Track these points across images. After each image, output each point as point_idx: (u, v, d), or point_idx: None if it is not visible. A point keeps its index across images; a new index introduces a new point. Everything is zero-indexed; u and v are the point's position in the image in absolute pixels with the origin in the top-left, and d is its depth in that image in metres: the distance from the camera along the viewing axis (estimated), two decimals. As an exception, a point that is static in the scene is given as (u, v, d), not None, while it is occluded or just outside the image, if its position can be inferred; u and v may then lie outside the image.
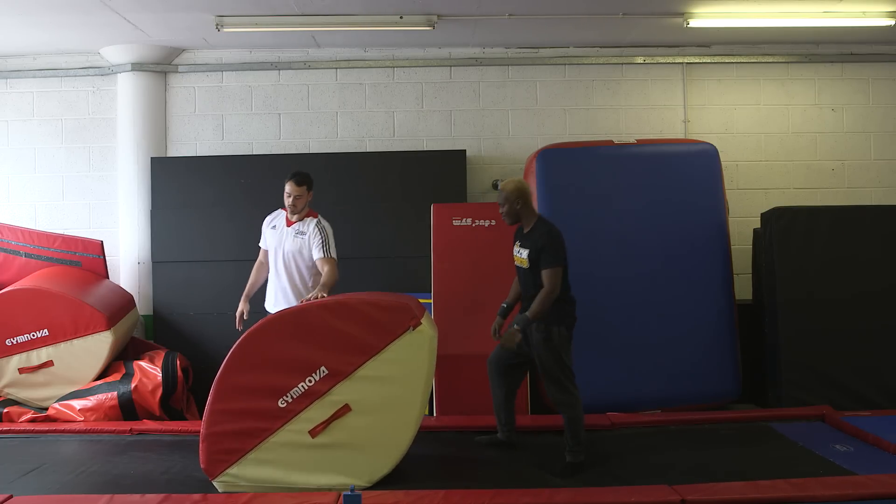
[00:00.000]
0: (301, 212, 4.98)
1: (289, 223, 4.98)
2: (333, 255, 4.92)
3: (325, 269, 4.81)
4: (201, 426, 4.02)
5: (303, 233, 4.91)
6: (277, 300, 4.99)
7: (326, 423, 3.99)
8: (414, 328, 4.08)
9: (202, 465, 4.03)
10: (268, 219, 5.15)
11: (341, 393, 4.01)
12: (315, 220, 4.99)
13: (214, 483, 4.01)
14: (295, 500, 3.75)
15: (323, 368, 4.00)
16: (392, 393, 4.05)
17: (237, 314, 5.12)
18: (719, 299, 5.80)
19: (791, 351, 5.66)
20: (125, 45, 6.66)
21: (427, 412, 5.35)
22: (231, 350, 4.04)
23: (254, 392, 3.98)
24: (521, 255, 4.56)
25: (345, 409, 4.01)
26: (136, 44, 6.64)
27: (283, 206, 5.06)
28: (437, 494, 3.72)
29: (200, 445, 4.01)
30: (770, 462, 4.34)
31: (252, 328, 4.10)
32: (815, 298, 5.68)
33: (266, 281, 5.20)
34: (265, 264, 5.15)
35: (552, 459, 4.51)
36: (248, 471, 3.98)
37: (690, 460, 4.41)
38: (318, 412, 4.00)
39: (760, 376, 5.99)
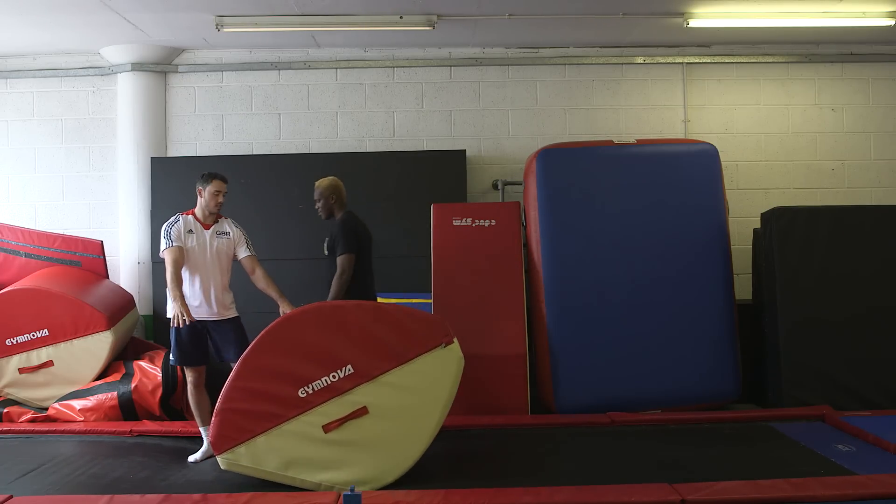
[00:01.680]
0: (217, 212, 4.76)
1: (205, 226, 4.70)
2: (254, 251, 4.86)
3: (258, 271, 4.73)
4: (218, 400, 4.03)
5: (226, 233, 4.74)
6: (208, 305, 4.64)
7: (342, 421, 3.99)
8: (446, 345, 4.11)
9: (210, 438, 4.03)
10: (178, 226, 4.64)
11: (362, 394, 4.02)
12: (230, 220, 4.82)
13: (219, 458, 4.02)
14: (295, 500, 3.74)
15: (349, 367, 4.02)
16: (412, 404, 4.06)
17: (184, 316, 4.40)
18: (719, 299, 5.80)
19: (791, 351, 5.66)
20: (125, 45, 6.66)
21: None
22: (264, 330, 4.06)
23: (276, 376, 4.00)
24: (325, 244, 5.11)
25: (362, 411, 4.01)
26: (136, 44, 6.65)
27: (186, 211, 4.73)
28: (437, 494, 3.72)
29: (213, 419, 4.02)
30: (770, 462, 4.34)
31: (289, 313, 4.15)
32: (815, 298, 5.68)
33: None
34: (182, 266, 4.63)
35: (552, 458, 4.52)
36: (255, 453, 3.98)
37: (690, 459, 4.41)
38: (335, 408, 4.00)
39: (760, 376, 5.99)
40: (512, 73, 7.00)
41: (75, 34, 6.40)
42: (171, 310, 4.44)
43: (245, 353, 4.08)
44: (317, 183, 5.24)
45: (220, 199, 4.71)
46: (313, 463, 4.00)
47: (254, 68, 6.93)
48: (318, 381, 4.00)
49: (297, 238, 6.53)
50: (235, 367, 4.07)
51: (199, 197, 4.72)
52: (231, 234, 4.76)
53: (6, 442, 4.96)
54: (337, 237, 5.02)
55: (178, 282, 4.53)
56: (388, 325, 4.09)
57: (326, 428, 3.99)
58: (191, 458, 4.53)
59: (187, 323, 4.41)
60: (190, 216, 4.73)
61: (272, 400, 3.99)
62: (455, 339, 4.21)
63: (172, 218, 4.72)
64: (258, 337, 4.08)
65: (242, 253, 4.77)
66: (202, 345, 4.67)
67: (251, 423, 3.99)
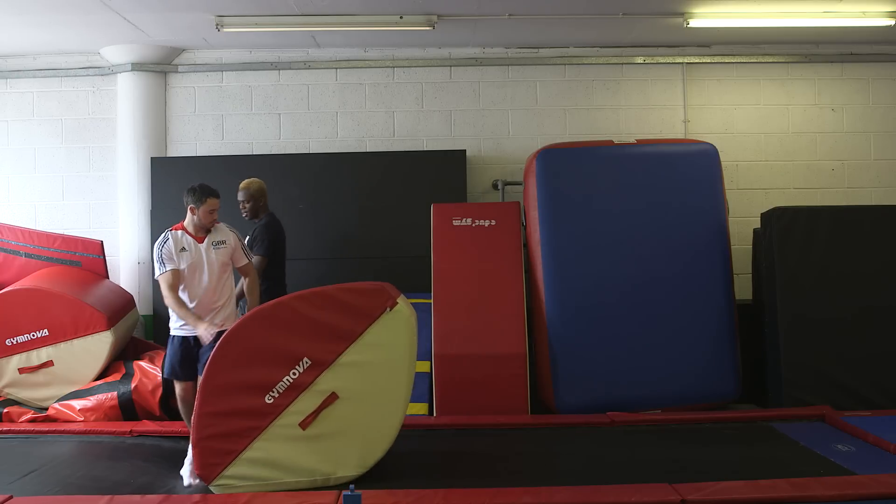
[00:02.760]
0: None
1: (199, 239, 4.48)
2: (252, 257, 4.83)
3: (251, 278, 4.69)
4: (191, 433, 4.00)
5: (223, 242, 4.52)
6: (213, 321, 4.45)
7: (315, 414, 4.00)
8: (391, 308, 4.09)
9: (197, 472, 4.01)
10: (168, 246, 4.43)
11: (327, 382, 4.02)
12: (225, 226, 4.61)
13: (211, 487, 3.99)
14: (295, 499, 3.74)
15: (306, 359, 4.00)
16: (377, 376, 4.07)
17: (209, 334, 4.31)
18: (719, 299, 5.80)
19: (791, 351, 5.65)
20: (125, 45, 6.66)
21: (427, 411, 5.38)
22: (212, 352, 4.01)
23: (240, 391, 3.97)
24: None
25: (332, 398, 4.01)
26: (136, 44, 6.64)
27: (175, 226, 4.54)
28: (437, 494, 3.72)
29: (192, 452, 3.99)
30: (770, 462, 4.34)
31: (232, 326, 4.09)
32: (815, 298, 5.68)
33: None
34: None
35: (552, 458, 4.52)
36: (244, 471, 3.97)
37: (690, 460, 4.41)
38: (305, 404, 4.00)
39: (760, 376, 5.99)
40: (512, 73, 6.99)
41: (75, 34, 6.40)
42: (201, 334, 4.29)
43: (202, 378, 4.02)
44: (245, 184, 5.50)
45: (215, 216, 4.51)
46: (302, 461, 4.00)
47: (254, 68, 6.93)
48: (281, 383, 3.98)
49: (296, 238, 6.51)
50: (198, 394, 4.00)
51: (190, 214, 4.48)
52: (228, 241, 4.56)
53: (6, 442, 4.96)
54: (258, 239, 5.37)
55: (183, 304, 4.40)
56: (329, 307, 4.05)
57: (303, 425, 3.99)
58: (186, 482, 4.23)
59: (213, 335, 4.27)
60: (179, 231, 4.49)
61: (243, 415, 3.97)
62: (400, 300, 4.16)
63: (161, 237, 4.50)
64: (209, 359, 4.00)
65: (241, 261, 4.65)
66: (192, 360, 4.45)
67: (230, 443, 3.96)
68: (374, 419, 4.07)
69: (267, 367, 3.99)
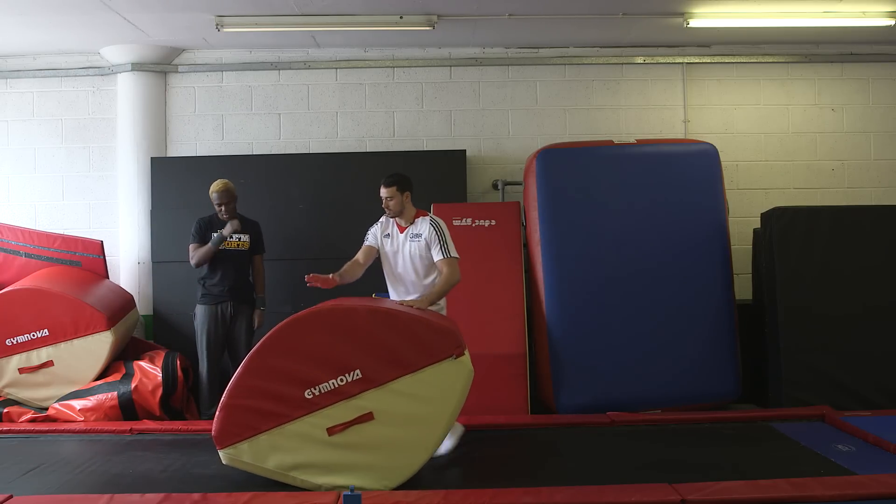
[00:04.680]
0: (402, 213, 4.74)
1: (401, 229, 4.73)
2: (454, 254, 4.68)
3: (443, 272, 4.61)
4: (224, 395, 4.02)
5: (418, 235, 4.67)
6: None
7: (346, 425, 3.96)
8: (457, 357, 4.06)
9: (213, 433, 4.01)
10: (378, 227, 4.80)
11: (369, 400, 3.98)
12: (428, 220, 4.71)
13: (220, 453, 4.00)
14: (295, 499, 3.73)
15: (357, 372, 3.98)
16: (418, 413, 4.02)
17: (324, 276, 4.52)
18: (719, 299, 5.80)
19: (791, 351, 5.66)
20: (125, 45, 6.66)
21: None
22: (273, 329, 4.05)
23: (284, 376, 3.97)
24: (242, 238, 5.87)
25: (367, 417, 3.98)
26: (136, 44, 6.64)
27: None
28: (438, 494, 3.71)
29: (217, 413, 4.00)
30: (770, 462, 4.34)
31: (299, 313, 4.10)
32: (815, 298, 5.68)
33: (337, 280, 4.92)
34: (361, 264, 4.77)
35: (552, 458, 4.52)
36: (258, 451, 3.97)
37: (690, 459, 4.41)
38: (341, 412, 3.97)
39: (760, 376, 5.99)
40: (512, 73, 6.99)
41: (75, 34, 6.40)
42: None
43: (253, 350, 4.06)
44: (225, 185, 5.79)
45: (384, 203, 4.69)
46: (316, 465, 3.98)
47: (254, 68, 6.93)
48: (325, 384, 3.97)
49: (297, 238, 6.53)
50: (243, 363, 4.05)
51: None
52: (422, 235, 4.65)
53: (6, 442, 4.96)
54: (260, 238, 5.94)
55: (343, 270, 4.63)
56: (399, 333, 4.04)
57: (331, 431, 3.96)
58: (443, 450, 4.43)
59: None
60: (391, 220, 4.76)
61: (278, 399, 3.97)
62: (466, 352, 4.16)
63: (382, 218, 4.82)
64: (267, 335, 4.05)
65: (436, 255, 4.65)
66: None
67: (256, 420, 3.97)
68: (399, 452, 4.01)
69: (318, 364, 3.98)
